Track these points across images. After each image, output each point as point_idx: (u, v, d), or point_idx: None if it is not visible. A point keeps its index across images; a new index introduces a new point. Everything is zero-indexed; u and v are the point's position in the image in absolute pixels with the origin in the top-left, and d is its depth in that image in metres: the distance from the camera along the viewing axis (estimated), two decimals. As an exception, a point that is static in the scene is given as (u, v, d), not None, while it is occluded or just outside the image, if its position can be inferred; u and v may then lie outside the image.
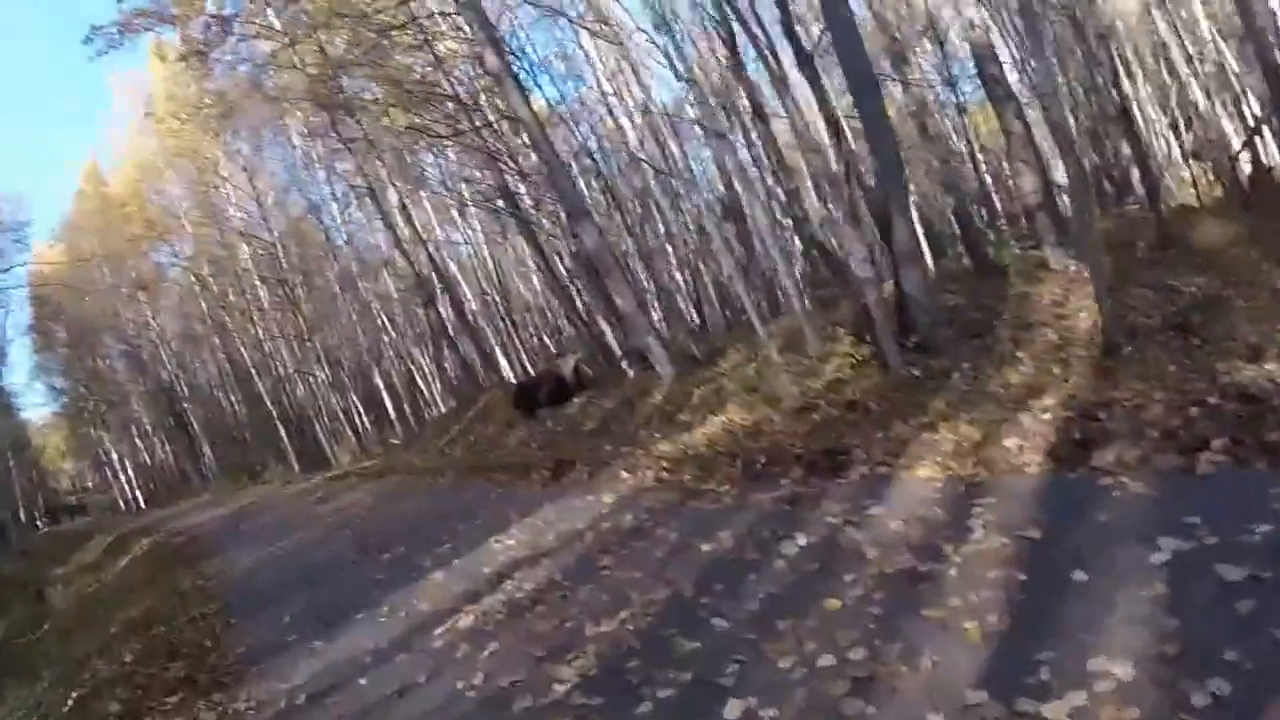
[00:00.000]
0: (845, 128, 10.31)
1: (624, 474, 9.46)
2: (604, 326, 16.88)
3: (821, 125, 12.53)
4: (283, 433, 36.77)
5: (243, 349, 39.93)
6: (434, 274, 25.85)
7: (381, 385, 33.35)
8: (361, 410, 33.06)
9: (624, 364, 16.13)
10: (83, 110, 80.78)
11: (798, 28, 10.83)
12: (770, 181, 19.38)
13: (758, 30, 10.76)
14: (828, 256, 10.85)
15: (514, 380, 23.60)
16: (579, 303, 19.58)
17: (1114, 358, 7.27)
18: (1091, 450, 5.44)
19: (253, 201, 34.33)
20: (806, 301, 12.35)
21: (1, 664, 14.77)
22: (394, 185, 25.73)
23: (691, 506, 7.38)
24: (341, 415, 33.36)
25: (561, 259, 20.23)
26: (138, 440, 58.41)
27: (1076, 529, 4.53)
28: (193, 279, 41.55)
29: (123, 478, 60.27)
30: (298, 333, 34.93)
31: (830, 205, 10.24)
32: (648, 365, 15.32)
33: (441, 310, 26.37)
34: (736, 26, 10.96)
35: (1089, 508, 4.72)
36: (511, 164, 17.53)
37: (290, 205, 36.30)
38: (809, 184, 17.39)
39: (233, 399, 47.73)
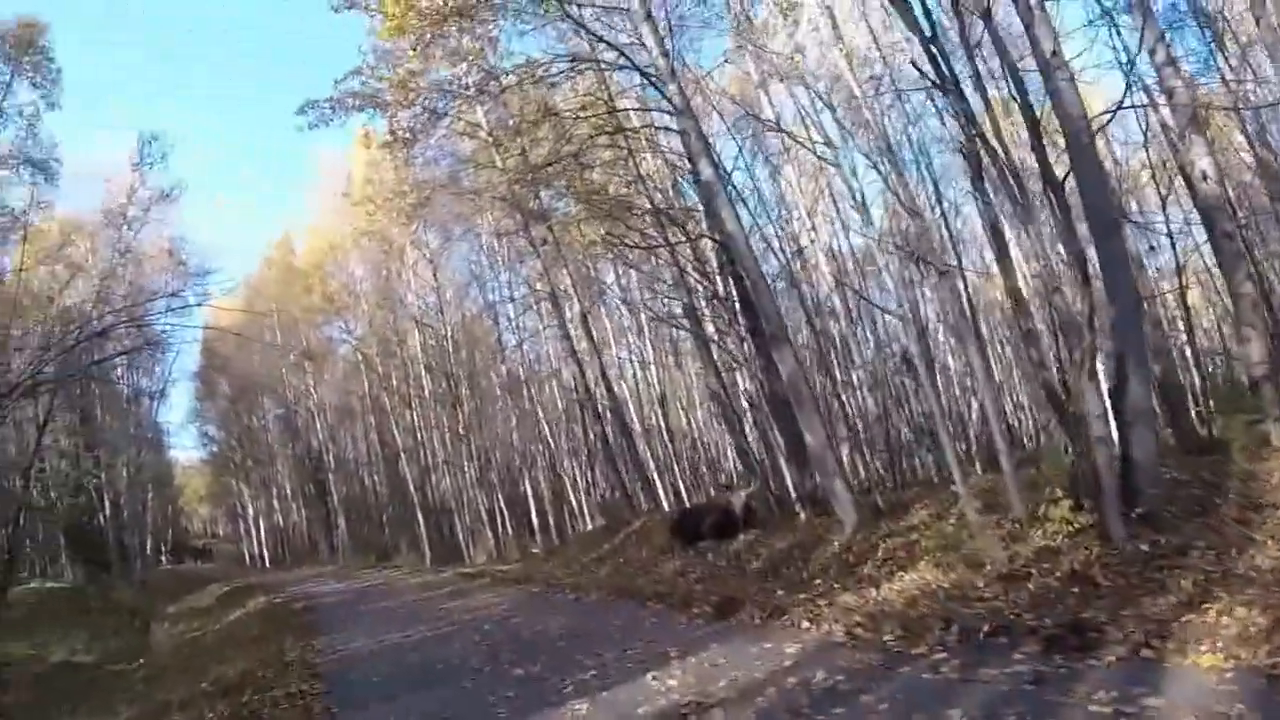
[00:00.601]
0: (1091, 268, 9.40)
1: (805, 623, 8.36)
2: (780, 463, 16.03)
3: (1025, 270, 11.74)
4: (420, 521, 36.71)
5: (395, 432, 40.33)
6: (603, 390, 25.52)
7: (529, 492, 32.79)
8: (505, 513, 32.72)
9: (797, 506, 15.23)
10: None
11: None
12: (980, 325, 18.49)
13: (1000, 151, 10.02)
14: (1061, 412, 9.90)
15: (668, 506, 22.89)
16: (752, 435, 18.80)
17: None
18: None
19: (432, 292, 34.94)
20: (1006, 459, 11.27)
21: (88, 687, 14.96)
22: (576, 296, 25.74)
23: (902, 674, 6.21)
24: (484, 514, 32.88)
25: (739, 388, 19.59)
26: (275, 501, 60.14)
27: None
28: (359, 357, 42.52)
29: (253, 533, 61.99)
30: (453, 426, 35.05)
31: (1070, 354, 9.33)
32: (823, 510, 14.39)
33: (605, 428, 25.91)
34: (980, 147, 10.23)
35: None
36: (705, 283, 17.18)
37: (467, 302, 36.88)
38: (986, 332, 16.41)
39: (376, 479, 48.47)
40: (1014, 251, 13.02)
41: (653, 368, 29.55)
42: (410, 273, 35.54)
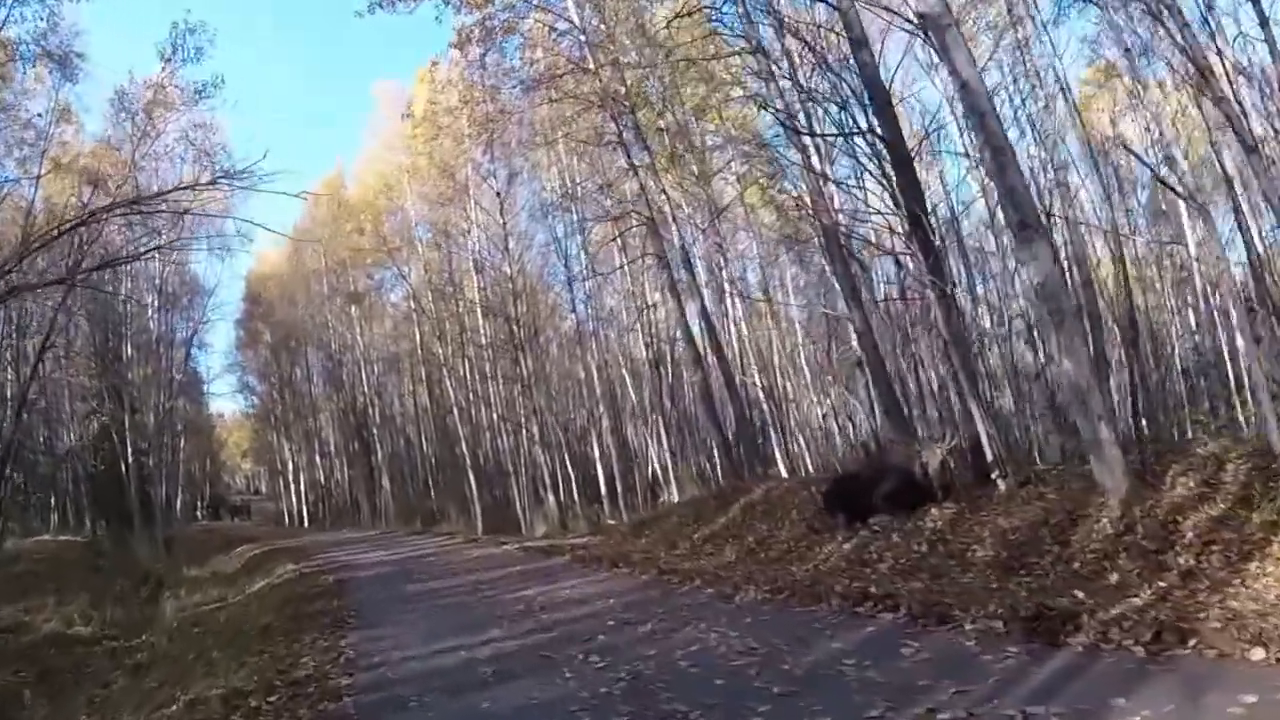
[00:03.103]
0: None
1: (1253, 649, 4.66)
2: (974, 412, 11.43)
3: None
4: (472, 483, 33.12)
5: (448, 386, 36.87)
6: (706, 338, 21.26)
7: (597, 455, 29.09)
8: (571, 478, 28.96)
9: (994, 470, 10.91)
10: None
11: None
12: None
13: None
14: None
15: (783, 473, 19.22)
16: (921, 381, 14.31)
17: None
18: None
19: (497, 228, 30.92)
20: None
21: (76, 669, 13.05)
22: (675, 224, 21.60)
23: None
24: (547, 479, 29.01)
25: (907, 318, 15.17)
26: (317, 457, 58.61)
27: None
28: (412, 304, 39.23)
29: (294, 490, 60.25)
30: (512, 379, 31.46)
31: None
32: (1027, 477, 10.38)
33: (709, 381, 21.56)
34: None
35: None
36: (884, 182, 12.79)
37: (534, 244, 33.73)
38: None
39: (424, 437, 45.80)
40: None
41: (739, 323, 25.48)
42: (474, 207, 31.66)
